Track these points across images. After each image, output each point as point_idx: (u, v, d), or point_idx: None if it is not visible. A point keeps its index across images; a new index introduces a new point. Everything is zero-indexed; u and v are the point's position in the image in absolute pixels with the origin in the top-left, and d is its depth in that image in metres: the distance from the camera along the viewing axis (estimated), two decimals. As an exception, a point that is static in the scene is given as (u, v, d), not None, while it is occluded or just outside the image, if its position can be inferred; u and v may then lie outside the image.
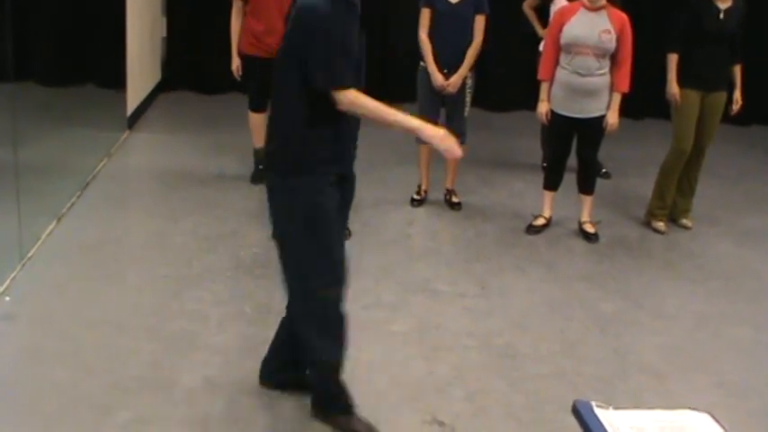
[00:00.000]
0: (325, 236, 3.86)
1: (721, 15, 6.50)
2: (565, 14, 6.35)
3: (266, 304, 5.05)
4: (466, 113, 6.96)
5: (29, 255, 5.63)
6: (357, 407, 4.10)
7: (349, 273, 4.02)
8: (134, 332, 4.84)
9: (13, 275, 5.32)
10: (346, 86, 3.65)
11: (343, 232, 4.08)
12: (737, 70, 6.68)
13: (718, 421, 1.86)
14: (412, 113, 4.10)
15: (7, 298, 5.08)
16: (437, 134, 3.78)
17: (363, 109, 3.70)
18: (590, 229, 6.67)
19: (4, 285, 5.19)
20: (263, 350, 4.48)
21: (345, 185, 3.96)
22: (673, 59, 6.60)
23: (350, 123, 3.88)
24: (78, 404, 4.15)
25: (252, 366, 4.50)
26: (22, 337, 4.74)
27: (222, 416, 4.15)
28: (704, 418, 1.89)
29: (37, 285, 5.31)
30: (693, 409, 1.91)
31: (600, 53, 6.21)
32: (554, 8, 7.18)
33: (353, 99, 3.66)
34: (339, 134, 3.81)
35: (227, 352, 4.67)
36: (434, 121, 6.91)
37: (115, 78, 8.51)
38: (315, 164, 3.76)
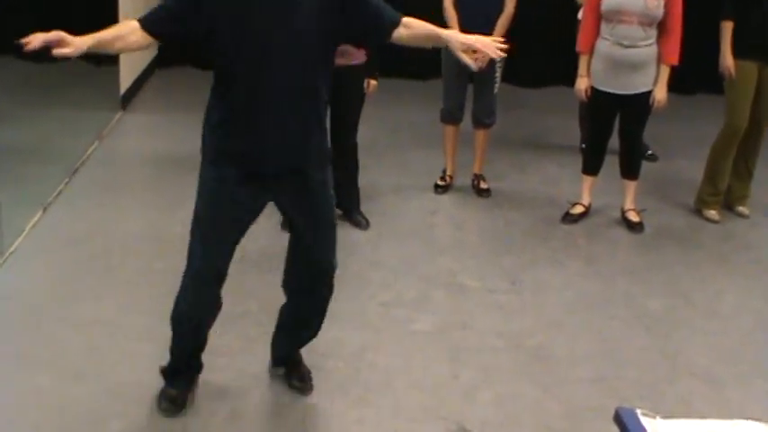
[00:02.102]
0: (202, 228, 4.04)
1: (782, -24, 6.45)
2: (606, -22, 6.31)
3: (274, 302, 5.04)
4: (495, 90, 6.94)
5: (11, 249, 5.65)
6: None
7: (211, 279, 4.12)
8: (127, 333, 4.85)
9: (-7, 271, 5.36)
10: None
11: (233, 235, 4.07)
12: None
13: (777, 432, 1.83)
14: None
15: (-13, 296, 5.12)
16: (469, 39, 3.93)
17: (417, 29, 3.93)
18: (634, 217, 6.64)
19: (-16, 282, 5.23)
20: (268, 351, 4.51)
21: (271, 185, 3.99)
22: (727, 27, 6.53)
23: (276, 120, 3.85)
24: (65, 413, 4.16)
25: (258, 370, 4.52)
26: (4, 340, 4.75)
27: (225, 425, 4.16)
28: (763, 430, 1.87)
29: (20, 283, 5.33)
30: (752, 418, 1.88)
31: (646, 21, 6.17)
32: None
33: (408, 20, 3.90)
34: (250, 126, 3.85)
35: (231, 355, 4.67)
36: (461, 101, 6.94)
37: (107, 54, 8.50)
38: (215, 154, 3.95)
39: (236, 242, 4.10)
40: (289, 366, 4.48)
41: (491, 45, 3.93)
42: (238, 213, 4.01)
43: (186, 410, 4.21)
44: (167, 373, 4.30)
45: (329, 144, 4.16)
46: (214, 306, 4.22)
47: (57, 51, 3.68)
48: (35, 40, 3.63)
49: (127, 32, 3.79)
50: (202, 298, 4.17)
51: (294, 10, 3.72)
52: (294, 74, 3.79)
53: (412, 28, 3.92)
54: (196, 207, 4.02)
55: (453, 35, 4.06)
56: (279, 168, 3.93)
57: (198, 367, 4.36)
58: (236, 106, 3.85)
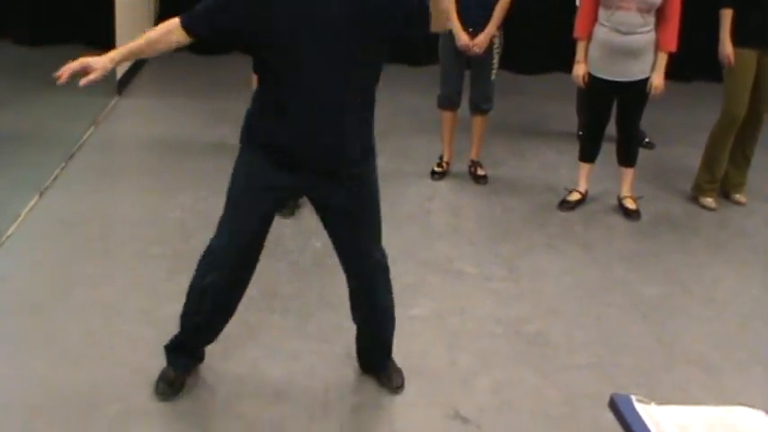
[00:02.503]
0: (228, 206, 4.07)
1: (782, -38, 6.45)
2: (604, -36, 6.31)
3: (273, 288, 5.06)
4: (493, 77, 6.93)
5: (7, 233, 5.66)
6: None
7: (237, 262, 4.12)
8: (125, 317, 4.87)
9: (-10, 255, 5.37)
10: None
11: (258, 219, 4.06)
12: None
13: (773, 418, 1.85)
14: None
15: (-15, 280, 5.13)
16: None
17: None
18: (631, 205, 6.66)
19: (-18, 266, 5.24)
20: (268, 338, 4.52)
21: (304, 180, 3.98)
22: (726, 15, 6.52)
23: (311, 114, 3.80)
24: (63, 397, 4.17)
25: (256, 356, 4.54)
26: (1, 325, 4.76)
27: (223, 410, 4.17)
28: (759, 416, 1.88)
29: (17, 267, 5.33)
30: (747, 405, 1.90)
31: (644, 8, 6.17)
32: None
33: None
34: (288, 124, 3.83)
35: (228, 340, 4.66)
36: (459, 87, 6.94)
37: (103, 37, 8.49)
38: (254, 141, 3.96)
39: (262, 229, 4.09)
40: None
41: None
42: (267, 200, 4.01)
43: (184, 395, 4.23)
44: (170, 348, 4.30)
45: (373, 140, 4.11)
46: (226, 288, 4.18)
47: (83, 82, 3.74)
48: (64, 73, 3.71)
49: (165, 32, 3.85)
50: (217, 275, 4.12)
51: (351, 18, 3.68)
52: (329, 76, 3.73)
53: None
54: (229, 190, 4.05)
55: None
56: (313, 167, 3.92)
57: (200, 355, 4.38)
58: (276, 102, 3.83)
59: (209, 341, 4.34)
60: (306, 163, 3.90)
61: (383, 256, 4.24)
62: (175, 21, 3.82)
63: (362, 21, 3.68)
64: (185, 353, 4.33)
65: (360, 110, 3.90)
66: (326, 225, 4.14)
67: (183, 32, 3.81)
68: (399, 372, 4.43)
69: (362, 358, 4.49)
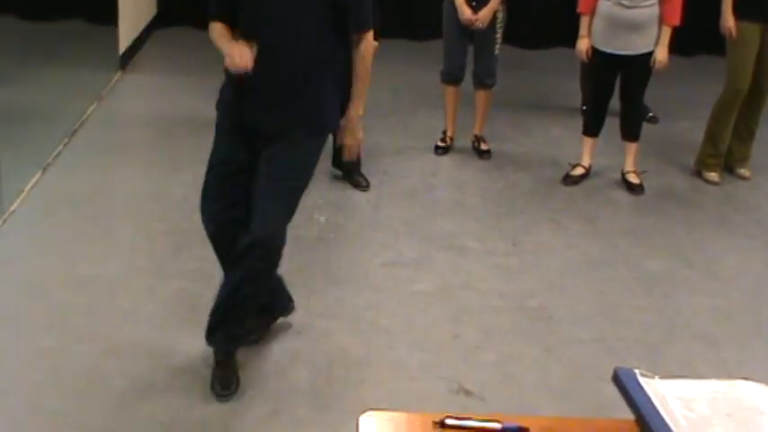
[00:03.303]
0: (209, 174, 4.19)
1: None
2: (608, -63, 6.29)
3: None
4: (496, 51, 6.90)
5: (11, 209, 5.66)
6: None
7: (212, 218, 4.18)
8: (130, 293, 4.88)
9: (-6, 231, 5.38)
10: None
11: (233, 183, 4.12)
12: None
13: (775, 391, 1.86)
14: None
15: (-12, 256, 5.14)
16: None
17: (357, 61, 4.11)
18: (634, 179, 6.65)
19: (-15, 242, 5.25)
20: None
21: (259, 140, 4.05)
22: (729, -11, 6.53)
23: (271, 83, 3.96)
24: (68, 372, 4.20)
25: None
26: (5, 302, 4.78)
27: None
28: (760, 389, 1.89)
29: (20, 244, 5.34)
30: (750, 379, 1.90)
31: (648, -19, 6.17)
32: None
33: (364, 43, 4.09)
34: (248, 86, 3.98)
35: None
36: (462, 61, 6.93)
37: (106, 13, 8.47)
38: (221, 103, 4.29)
39: (238, 193, 4.11)
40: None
41: (351, 149, 4.30)
42: (237, 161, 4.10)
43: (189, 370, 4.24)
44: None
45: (334, 117, 4.17)
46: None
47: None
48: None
49: (221, 31, 4.07)
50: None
51: None
52: (291, 43, 3.92)
53: (358, 52, 4.09)
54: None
55: (350, 118, 4.21)
56: (266, 127, 4.04)
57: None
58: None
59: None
60: (262, 122, 4.05)
61: (274, 242, 4.12)
62: (214, 24, 4.09)
63: None
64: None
65: (317, 80, 4.03)
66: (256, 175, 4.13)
67: (219, 24, 4.07)
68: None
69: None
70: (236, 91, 4.08)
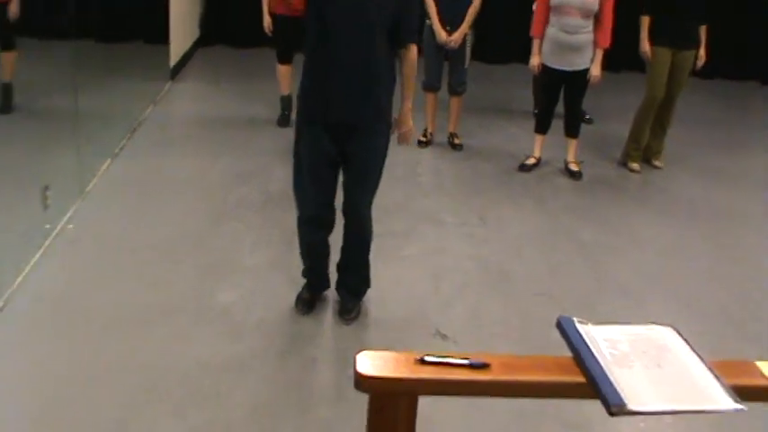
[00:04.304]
0: (298, 171, 4.07)
1: (686, -16, 6.45)
2: (555, -21, 6.27)
3: (291, 230, 5.03)
4: (466, 66, 6.90)
5: (87, 189, 5.66)
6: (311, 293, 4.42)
7: (325, 212, 4.14)
8: (177, 254, 4.87)
9: (74, 207, 5.35)
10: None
11: (330, 174, 4.06)
12: (703, 31, 6.63)
13: (680, 333, 1.87)
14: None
15: (71, 226, 5.11)
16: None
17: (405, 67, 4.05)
18: (574, 167, 6.65)
19: (68, 215, 5.22)
20: (289, 268, 4.53)
21: (341, 134, 3.95)
22: (645, 21, 6.56)
23: (339, 78, 3.85)
24: (129, 317, 4.18)
25: (280, 282, 4.56)
26: (82, 260, 4.76)
27: (254, 327, 4.18)
28: (668, 331, 1.90)
29: (95, 215, 5.33)
30: (660, 323, 1.91)
31: (584, 14, 6.14)
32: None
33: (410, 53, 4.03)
34: (320, 86, 3.88)
35: (258, 271, 4.70)
36: (439, 74, 6.91)
37: (160, 35, 8.45)
38: (301, 109, 4.00)
39: (334, 187, 4.11)
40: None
41: (406, 135, 4.26)
42: (327, 159, 3.99)
43: (216, 319, 4.24)
44: (304, 276, 4.42)
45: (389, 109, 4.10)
46: (324, 244, 4.30)
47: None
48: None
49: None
50: (316, 237, 4.25)
51: (371, 2, 3.77)
52: (359, 49, 3.80)
53: (407, 59, 4.02)
54: (296, 159, 4.05)
55: (404, 113, 4.17)
56: (342, 121, 3.93)
57: (326, 284, 4.46)
58: (314, 73, 3.87)
59: (326, 271, 4.43)
60: (339, 117, 3.90)
61: (369, 218, 4.19)
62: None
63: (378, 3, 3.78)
64: (312, 281, 4.42)
65: (379, 77, 3.92)
66: (344, 171, 4.11)
67: None
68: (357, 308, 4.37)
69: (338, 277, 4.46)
70: (318, 96, 3.91)
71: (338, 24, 3.77)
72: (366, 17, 3.78)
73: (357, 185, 4.10)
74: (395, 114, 4.14)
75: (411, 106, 4.17)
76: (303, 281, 4.43)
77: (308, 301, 4.38)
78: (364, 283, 4.39)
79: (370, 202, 4.17)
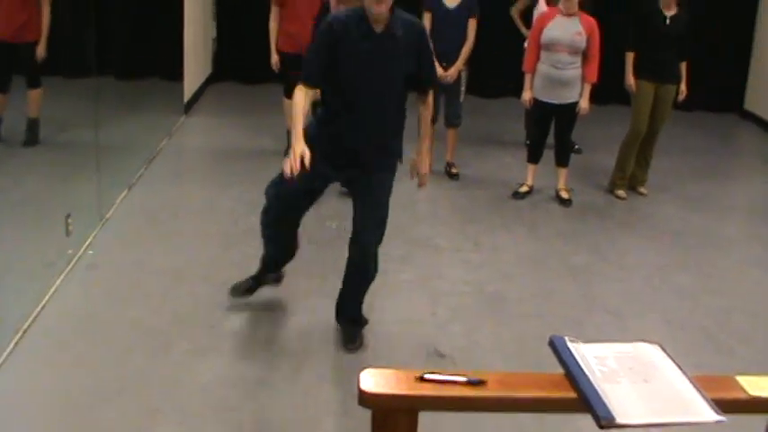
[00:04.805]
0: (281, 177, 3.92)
1: (668, 21, 6.50)
2: (544, 19, 6.32)
3: (298, 255, 5.07)
4: (461, 99, 6.93)
5: (107, 216, 5.67)
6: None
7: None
8: (191, 279, 4.88)
9: (94, 233, 5.36)
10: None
11: (308, 198, 4.12)
12: (684, 66, 6.66)
13: (665, 350, 1.88)
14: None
15: (90, 251, 5.12)
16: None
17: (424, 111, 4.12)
18: (565, 195, 6.66)
19: (88, 241, 5.23)
20: (295, 291, 4.54)
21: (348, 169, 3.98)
22: (629, 57, 6.60)
23: (348, 135, 3.85)
24: (146, 336, 4.20)
25: (286, 303, 4.56)
26: (103, 283, 4.78)
27: (263, 345, 4.19)
28: (654, 349, 1.91)
29: (113, 241, 5.34)
30: (646, 341, 1.92)
31: (573, 51, 6.18)
32: (536, 13, 7.20)
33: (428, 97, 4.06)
34: (332, 137, 3.87)
35: (266, 295, 4.69)
36: (436, 107, 6.92)
37: (175, 72, 8.50)
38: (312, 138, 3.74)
39: (306, 200, 4.13)
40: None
41: (425, 177, 4.24)
42: (316, 183, 3.99)
43: (229, 336, 4.24)
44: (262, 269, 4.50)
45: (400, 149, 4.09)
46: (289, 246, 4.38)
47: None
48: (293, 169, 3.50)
49: (303, 99, 3.75)
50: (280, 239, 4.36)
51: (391, 58, 3.75)
52: (380, 99, 3.80)
53: (425, 104, 4.04)
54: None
55: (423, 153, 4.18)
56: (357, 162, 3.93)
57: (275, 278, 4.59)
58: (338, 117, 3.86)
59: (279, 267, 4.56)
60: (355, 158, 3.90)
61: (376, 257, 4.12)
62: (301, 87, 3.78)
63: (397, 55, 3.75)
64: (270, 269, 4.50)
65: (395, 127, 3.96)
66: (354, 204, 4.12)
67: (309, 89, 3.79)
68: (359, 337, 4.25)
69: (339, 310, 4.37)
70: (333, 145, 3.88)
71: (358, 79, 3.76)
72: (385, 71, 3.77)
73: (368, 218, 4.03)
74: (406, 153, 4.13)
75: (429, 146, 4.13)
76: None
77: (250, 291, 4.49)
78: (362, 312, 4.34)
79: (380, 240, 4.11)
